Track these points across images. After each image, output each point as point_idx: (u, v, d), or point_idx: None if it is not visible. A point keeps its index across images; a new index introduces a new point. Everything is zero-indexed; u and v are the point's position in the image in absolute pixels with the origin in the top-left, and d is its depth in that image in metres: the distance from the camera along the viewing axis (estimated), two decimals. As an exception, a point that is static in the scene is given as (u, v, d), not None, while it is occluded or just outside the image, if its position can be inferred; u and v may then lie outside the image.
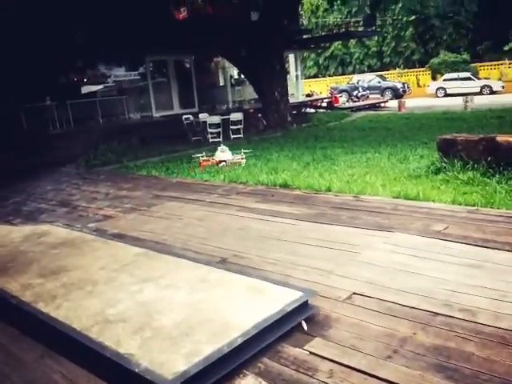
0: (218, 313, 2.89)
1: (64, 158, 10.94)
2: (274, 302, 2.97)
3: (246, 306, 2.95)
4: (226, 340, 2.54)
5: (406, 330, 2.81)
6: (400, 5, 17.45)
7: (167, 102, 17.82)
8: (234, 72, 22.18)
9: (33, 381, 2.63)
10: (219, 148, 8.80)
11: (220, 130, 13.50)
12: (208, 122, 13.57)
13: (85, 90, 17.34)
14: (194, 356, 2.41)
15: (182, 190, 7.44)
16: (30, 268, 3.94)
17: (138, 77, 18.44)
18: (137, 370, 2.36)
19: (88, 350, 2.67)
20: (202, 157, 8.86)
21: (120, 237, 5.02)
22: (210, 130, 13.51)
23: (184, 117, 14.38)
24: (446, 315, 2.94)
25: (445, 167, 6.82)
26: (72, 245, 4.50)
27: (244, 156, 9.06)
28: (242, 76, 20.43)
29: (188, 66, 19.03)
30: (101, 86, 18.12)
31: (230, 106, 20.23)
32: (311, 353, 2.66)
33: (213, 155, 9.11)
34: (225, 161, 8.55)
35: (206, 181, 8.11)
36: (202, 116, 14.16)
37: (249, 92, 20.69)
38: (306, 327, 2.89)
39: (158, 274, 3.56)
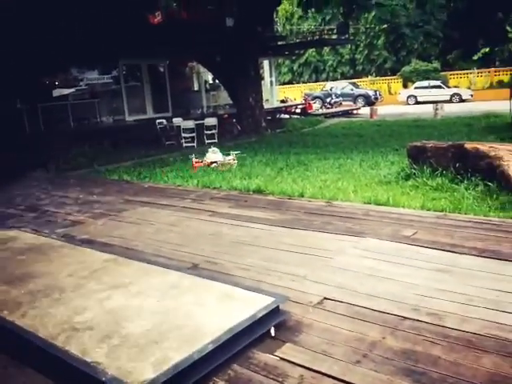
0: (189, 319, 2.86)
1: (34, 162, 10.68)
2: (245, 307, 2.95)
3: (217, 313, 2.93)
4: (196, 347, 2.51)
5: (376, 335, 2.84)
6: (373, 14, 17.80)
7: (140, 106, 17.65)
8: (209, 77, 22.15)
9: (-5, 392, 2.55)
10: (210, 150, 8.98)
11: (194, 134, 13.44)
12: (182, 127, 13.50)
13: (56, 93, 17.03)
14: (163, 364, 2.37)
15: (154, 195, 7.36)
16: (-6, 275, 3.82)
17: (111, 80, 18.23)
18: (104, 379, 2.30)
19: (54, 359, 2.60)
20: (195, 158, 9.06)
21: (89, 243, 4.92)
22: (183, 135, 13.43)
23: (157, 121, 14.27)
24: (415, 319, 2.99)
25: (415, 173, 6.95)
26: (39, 251, 4.38)
27: (235, 157, 9.15)
28: (217, 81, 20.43)
29: (162, 70, 18.91)
30: (73, 90, 17.83)
31: (205, 110, 20.18)
32: (282, 358, 2.66)
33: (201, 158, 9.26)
34: (216, 162, 8.71)
35: (178, 186, 8.05)
36: (176, 120, 14.08)
37: (223, 97, 20.69)
38: (273, 333, 2.89)
39: (128, 280, 3.50)
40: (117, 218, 6.08)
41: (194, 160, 8.80)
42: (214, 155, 8.72)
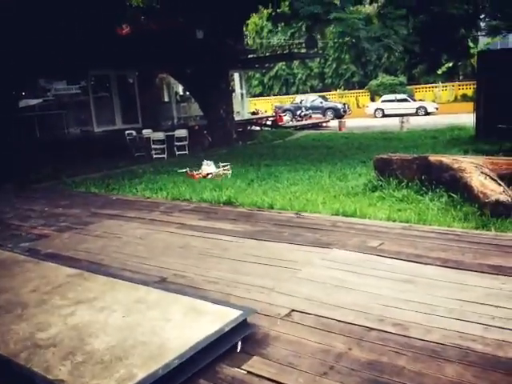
0: (155, 335, 2.82)
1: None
2: (212, 321, 2.94)
3: (184, 327, 2.90)
4: (161, 363, 2.48)
5: (342, 346, 2.87)
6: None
7: (109, 117, 17.41)
8: (180, 88, 22.10)
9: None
10: (204, 162, 9.58)
11: (164, 146, 13.37)
12: (152, 138, 13.41)
13: (22, 103, 16.64)
14: (127, 380, 2.34)
15: (122, 207, 7.27)
16: (-48, 292, 3.68)
17: (79, 91, 17.95)
18: (66, 398, 2.25)
19: (16, 376, 2.53)
20: (190, 171, 9.63)
21: (54, 257, 4.81)
22: (153, 146, 13.34)
23: (127, 132, 14.12)
24: (380, 330, 3.03)
25: (381, 185, 7.09)
26: (1, 266, 4.26)
27: (229, 167, 9.62)
28: (188, 93, 20.41)
29: (131, 81, 18.75)
30: (40, 100, 17.46)
31: (175, 122, 20.08)
32: (249, 372, 2.65)
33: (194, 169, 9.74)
34: (211, 173, 9.31)
35: (147, 198, 7.97)
36: (146, 132, 13.98)
37: (194, 108, 20.65)
38: (239, 348, 2.87)
39: (92, 295, 3.43)
40: (83, 231, 5.96)
41: (195, 172, 9.37)
42: (208, 167, 9.39)
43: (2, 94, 15.50)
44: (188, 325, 2.93)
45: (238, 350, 2.87)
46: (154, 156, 13.26)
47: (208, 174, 9.29)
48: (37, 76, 16.71)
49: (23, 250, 5.09)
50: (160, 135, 13.53)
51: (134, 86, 18.49)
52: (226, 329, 2.83)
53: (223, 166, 9.55)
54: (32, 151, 12.28)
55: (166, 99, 21.55)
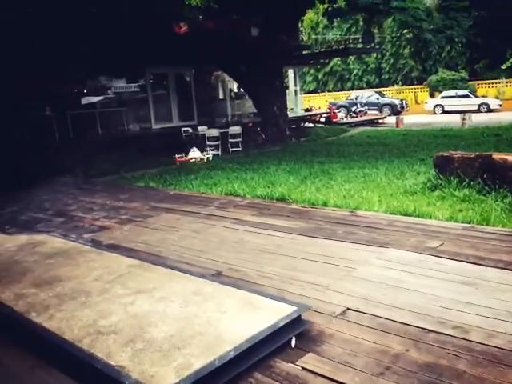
0: (211, 326, 2.88)
1: (62, 168, 10.94)
2: (267, 316, 2.96)
3: (239, 320, 2.94)
4: (217, 354, 2.53)
5: (399, 347, 2.81)
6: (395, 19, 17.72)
7: (167, 115, 17.89)
8: (234, 86, 22.33)
9: (22, 391, 2.61)
10: (191, 149, 11.34)
11: (218, 142, 13.56)
12: (207, 135, 13.64)
13: (85, 100, 17.41)
14: (185, 369, 2.40)
15: (178, 201, 7.45)
16: (23, 278, 3.92)
17: (138, 89, 18.53)
18: (127, 383, 2.34)
19: (79, 361, 2.66)
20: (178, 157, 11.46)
21: (115, 248, 5.01)
22: (208, 143, 13.57)
23: (183, 129, 14.45)
24: (439, 332, 2.94)
25: (441, 184, 6.85)
26: (67, 255, 4.49)
27: (210, 154, 11.49)
28: (242, 90, 20.58)
29: (188, 79, 19.16)
30: (101, 98, 18.18)
31: (229, 119, 20.32)
32: (303, 368, 2.65)
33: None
34: (194, 158, 11.04)
35: (202, 193, 8.12)
36: (201, 129, 14.23)
37: (248, 106, 20.80)
38: (293, 344, 2.88)
39: (152, 285, 3.55)
40: (142, 224, 6.18)
41: (177, 156, 11.05)
42: (193, 153, 11.16)
43: (66, 92, 16.31)
44: (243, 318, 2.97)
45: (293, 346, 2.88)
46: (209, 152, 13.48)
47: (191, 159, 10.91)
48: (98, 74, 17.44)
49: (86, 241, 5.35)
50: (214, 132, 13.73)
51: (191, 84, 18.88)
52: (281, 324, 2.85)
53: (205, 153, 11.46)
54: (94, 146, 12.85)
55: (221, 96, 21.84)
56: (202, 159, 11.43)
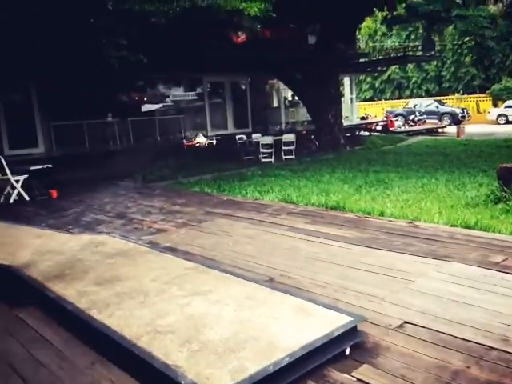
0: (265, 331, 2.88)
1: (122, 172, 11.38)
2: (321, 324, 2.93)
3: (293, 327, 2.93)
4: (271, 360, 2.52)
5: (459, 363, 2.69)
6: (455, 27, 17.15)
7: (222, 122, 18.22)
8: (288, 94, 22.38)
9: (83, 386, 2.72)
10: (198, 134, 12.23)
11: (272, 150, 13.63)
12: (261, 142, 13.75)
13: (145, 108, 18.04)
14: (240, 373, 2.41)
15: (232, 207, 7.54)
16: (86, 276, 4.09)
17: (196, 97, 18.98)
18: (183, 383, 2.38)
19: (137, 359, 2.73)
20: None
21: (172, 250, 5.14)
22: (262, 150, 13.67)
23: (237, 136, 14.64)
24: (502, 350, 2.79)
25: (505, 197, 6.53)
26: (126, 255, 4.64)
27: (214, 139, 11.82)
28: (296, 98, 20.59)
29: (243, 87, 19.41)
30: (160, 105, 18.77)
31: (283, 127, 20.37)
32: (359, 379, 2.59)
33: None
34: (199, 143, 11.94)
35: (256, 199, 8.18)
36: (255, 136, 14.37)
37: (302, 113, 20.79)
38: (347, 354, 2.82)
39: (207, 288, 3.60)
40: (197, 228, 6.30)
41: (185, 141, 11.90)
42: (199, 138, 11.96)
43: (127, 100, 16.98)
44: (297, 325, 2.95)
45: (347, 357, 2.82)
46: (262, 160, 13.57)
47: (197, 143, 11.76)
48: (157, 83, 18.05)
49: (145, 242, 5.51)
50: (268, 139, 13.82)
51: (246, 92, 19.12)
52: (336, 333, 2.80)
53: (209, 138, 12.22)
54: (152, 152, 13.28)
55: (275, 104, 21.96)
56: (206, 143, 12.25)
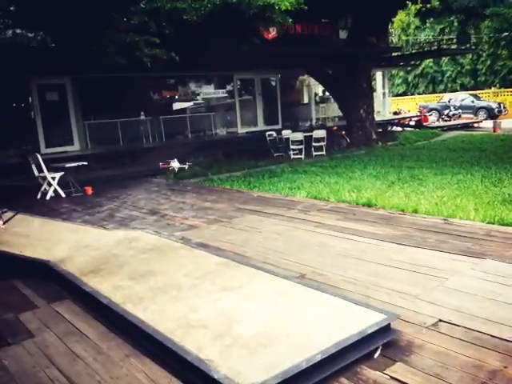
0: (297, 327, 2.89)
1: (155, 169, 11.56)
2: (354, 321, 2.91)
3: (325, 323, 2.92)
4: (304, 356, 2.52)
5: (496, 363, 2.63)
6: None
7: (252, 119, 18.26)
8: (319, 89, 22.22)
9: (118, 378, 2.77)
10: (172, 160, 11.52)
11: (302, 146, 13.55)
12: (291, 139, 13.69)
13: (176, 106, 18.26)
14: (272, 368, 2.42)
15: (262, 204, 7.55)
16: (120, 270, 4.19)
17: (226, 94, 19.08)
18: (216, 377, 2.41)
19: (171, 352, 2.78)
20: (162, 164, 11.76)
21: (203, 246, 5.19)
22: (292, 147, 13.61)
23: (267, 133, 14.63)
24: (544, 352, 2.71)
25: (545, 193, 6.31)
26: (160, 251, 4.73)
27: (188, 165, 11.65)
28: (326, 93, 20.41)
29: (274, 83, 19.38)
30: (191, 103, 18.97)
31: (314, 123, 20.25)
32: (392, 377, 2.56)
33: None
34: (174, 167, 11.39)
35: (286, 196, 8.16)
36: (285, 133, 14.31)
37: (332, 109, 20.61)
38: (378, 352, 2.79)
39: (238, 283, 3.63)
40: (228, 224, 6.34)
41: (161, 163, 11.41)
42: (174, 164, 11.47)
43: (159, 98, 17.22)
44: (329, 322, 2.94)
45: (378, 355, 2.79)
46: (292, 156, 13.52)
47: (171, 167, 11.43)
48: (188, 81, 18.23)
49: (177, 238, 5.59)
50: (298, 136, 13.74)
51: (276, 88, 19.09)
52: (369, 331, 2.78)
53: (183, 163, 11.72)
54: (184, 149, 13.43)
55: (306, 100, 21.83)
56: (181, 168, 11.83)
